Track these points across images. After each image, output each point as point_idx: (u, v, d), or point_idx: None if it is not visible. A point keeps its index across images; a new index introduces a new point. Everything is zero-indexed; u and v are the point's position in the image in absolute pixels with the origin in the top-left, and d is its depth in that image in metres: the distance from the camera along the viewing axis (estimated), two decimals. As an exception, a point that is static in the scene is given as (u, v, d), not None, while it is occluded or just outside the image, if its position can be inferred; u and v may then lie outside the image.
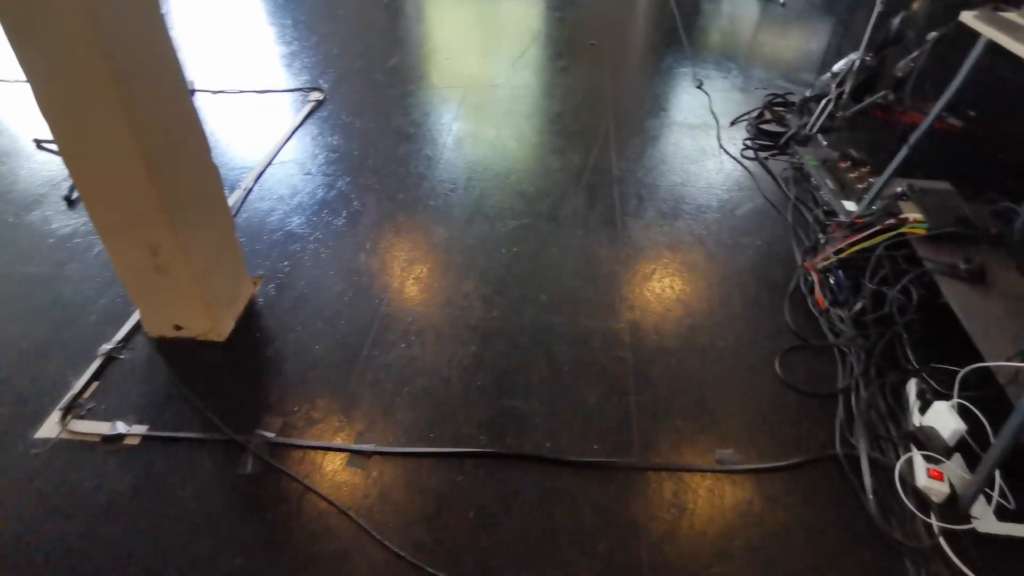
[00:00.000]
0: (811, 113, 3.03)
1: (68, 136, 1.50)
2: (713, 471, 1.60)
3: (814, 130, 2.93)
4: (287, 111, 3.24)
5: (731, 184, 2.71)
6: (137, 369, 1.84)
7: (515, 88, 3.53)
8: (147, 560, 1.40)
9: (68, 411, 1.70)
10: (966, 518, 1.47)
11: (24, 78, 1.39)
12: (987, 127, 3.14)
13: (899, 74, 2.85)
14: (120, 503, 1.51)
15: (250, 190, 2.61)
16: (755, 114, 3.18)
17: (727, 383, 1.82)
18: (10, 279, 2.14)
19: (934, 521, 1.46)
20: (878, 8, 2.73)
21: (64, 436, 1.65)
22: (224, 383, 1.80)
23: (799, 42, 4.25)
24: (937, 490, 1.49)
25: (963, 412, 1.59)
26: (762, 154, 2.90)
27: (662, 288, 2.15)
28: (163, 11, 1.52)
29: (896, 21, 2.87)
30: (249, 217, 2.46)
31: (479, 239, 2.37)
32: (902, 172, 2.19)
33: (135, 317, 1.97)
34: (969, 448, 1.58)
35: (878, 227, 2.07)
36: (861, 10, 4.35)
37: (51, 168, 2.74)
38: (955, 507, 1.49)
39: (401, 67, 3.74)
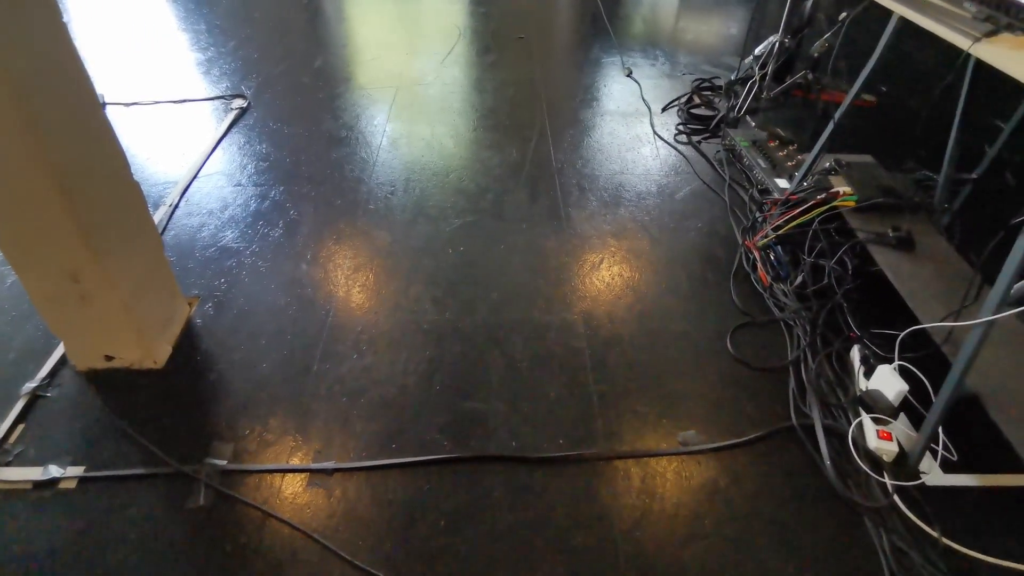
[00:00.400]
0: (738, 96, 3.13)
1: (-34, 160, 1.37)
2: (678, 454, 1.62)
3: (742, 112, 3.02)
4: (209, 120, 3.09)
5: (668, 169, 2.76)
6: (67, 406, 1.71)
7: (446, 85, 3.48)
8: (96, 611, 1.30)
9: (-9, 459, 1.56)
10: (916, 474, 1.54)
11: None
12: (897, 101, 3.32)
13: (815, 54, 2.97)
14: (61, 552, 1.39)
15: (176, 205, 2.47)
16: (685, 99, 3.25)
17: (682, 365, 1.85)
18: (-90, 321, 1.95)
19: (887, 480, 1.53)
20: (791, -9, 2.84)
21: (-11, 487, 1.51)
22: (165, 413, 1.69)
23: (720, 27, 4.37)
24: (887, 450, 1.55)
25: (905, 373, 1.67)
26: (695, 138, 2.97)
27: (611, 276, 2.16)
28: (64, 20, 1.40)
29: (808, 4, 3.00)
30: (178, 234, 2.33)
31: (424, 240, 2.32)
32: (828, 148, 2.28)
33: (60, 350, 1.83)
34: (913, 407, 1.66)
35: (811, 202, 2.15)
36: (774, -6, 4.52)
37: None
38: (905, 464, 1.56)
39: (326, 69, 3.63)
